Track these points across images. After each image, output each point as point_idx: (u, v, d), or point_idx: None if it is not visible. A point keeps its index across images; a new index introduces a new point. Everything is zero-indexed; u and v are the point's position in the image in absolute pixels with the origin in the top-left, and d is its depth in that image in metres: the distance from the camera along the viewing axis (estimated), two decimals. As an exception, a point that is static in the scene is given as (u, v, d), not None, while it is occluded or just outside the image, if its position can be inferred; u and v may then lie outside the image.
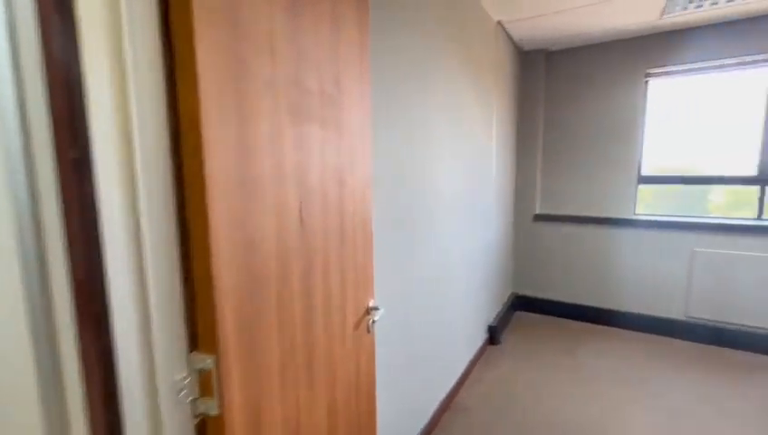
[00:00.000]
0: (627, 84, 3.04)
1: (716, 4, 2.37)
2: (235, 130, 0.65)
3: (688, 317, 2.93)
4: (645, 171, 3.12)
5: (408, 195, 1.61)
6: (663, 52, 2.89)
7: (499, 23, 2.66)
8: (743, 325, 2.75)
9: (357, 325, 1.15)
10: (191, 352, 0.62)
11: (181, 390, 0.60)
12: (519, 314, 3.51)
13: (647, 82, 3.02)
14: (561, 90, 3.29)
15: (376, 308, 1.23)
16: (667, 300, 3.00)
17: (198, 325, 0.62)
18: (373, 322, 1.21)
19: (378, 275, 1.37)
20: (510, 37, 2.96)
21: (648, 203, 3.17)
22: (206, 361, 0.60)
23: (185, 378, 0.60)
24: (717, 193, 3.00)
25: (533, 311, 3.51)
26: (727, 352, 2.74)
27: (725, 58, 2.71)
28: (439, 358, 2.05)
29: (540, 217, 3.44)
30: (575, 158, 3.29)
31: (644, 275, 3.08)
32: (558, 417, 2.07)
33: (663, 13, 2.50)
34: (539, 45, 3.18)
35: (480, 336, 2.76)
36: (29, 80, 0.46)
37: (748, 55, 2.65)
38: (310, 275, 0.89)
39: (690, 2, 2.35)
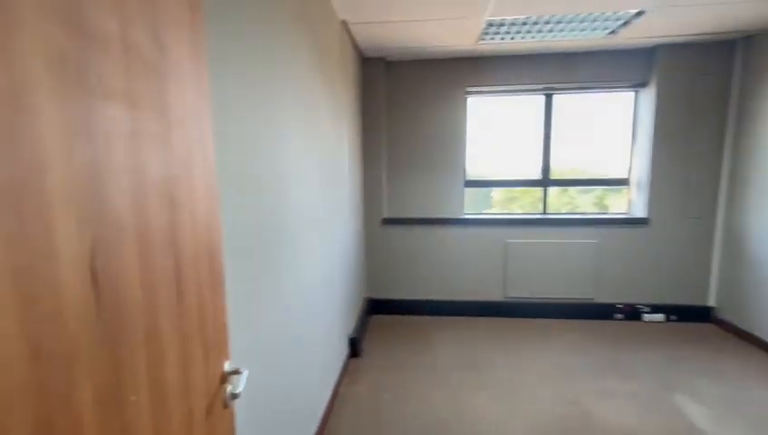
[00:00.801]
0: (452, 99, 3.41)
1: (514, 39, 2.86)
2: None
3: (506, 298, 3.49)
4: (469, 176, 3.58)
5: (260, 211, 1.28)
6: (478, 73, 3.35)
7: (344, 22, 2.54)
8: (544, 298, 3.45)
9: (210, 409, 0.78)
10: None
11: None
12: (374, 317, 3.52)
13: (466, 97, 3.46)
14: (399, 99, 3.45)
15: (235, 372, 0.87)
16: (490, 286, 3.51)
17: None
18: (233, 395, 0.85)
19: (230, 323, 1.00)
20: (354, 40, 2.90)
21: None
22: None
23: None
24: (497, 192, 3.74)
25: (387, 313, 3.58)
26: (538, 320, 3.39)
27: (521, 84, 3.34)
28: (304, 393, 1.76)
29: (387, 221, 3.53)
30: (415, 164, 3.51)
31: (473, 267, 3.52)
32: (430, 417, 2.09)
33: (478, 39, 2.87)
34: (378, 53, 3.24)
35: (342, 352, 2.59)
36: None
37: (534, 84, 3.33)
38: (118, 378, 0.51)
39: (497, 33, 2.77)
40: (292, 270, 1.56)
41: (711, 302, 3.29)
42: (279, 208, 1.41)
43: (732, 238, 3.10)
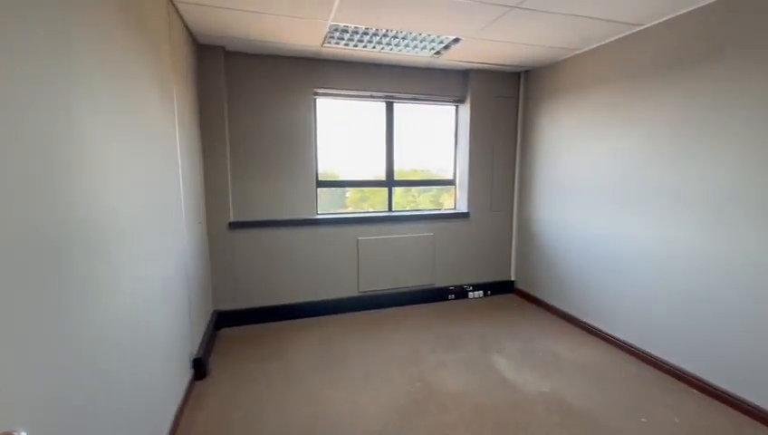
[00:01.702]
0: (300, 98, 3.38)
1: (357, 46, 3.02)
2: None
3: (360, 292, 3.68)
4: (321, 177, 3.62)
5: (40, 223, 1.00)
6: (325, 75, 3.41)
7: (170, 0, 2.22)
8: (393, 288, 3.76)
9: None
10: None
11: None
12: (223, 331, 3.22)
13: (315, 99, 3.48)
14: (242, 93, 3.22)
15: None
16: (344, 282, 3.64)
17: None
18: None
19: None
20: (184, 23, 2.56)
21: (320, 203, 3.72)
22: None
23: None
24: (352, 191, 3.97)
25: (237, 324, 3.32)
26: (389, 310, 3.67)
27: (365, 90, 3.55)
28: (133, 432, 1.48)
29: (235, 225, 3.26)
30: (264, 164, 3.34)
31: (327, 266, 3.58)
32: (287, 424, 2.02)
33: (324, 41, 2.92)
34: (216, 41, 2.96)
35: (184, 376, 2.28)
36: None
37: (376, 91, 3.59)
38: None
39: (341, 39, 2.88)
40: (103, 293, 1.28)
41: (512, 277, 4.19)
42: (85, 219, 1.13)
43: (522, 226, 4.00)
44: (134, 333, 1.52)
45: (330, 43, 2.95)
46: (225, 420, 2.09)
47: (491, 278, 4.12)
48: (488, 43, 3.00)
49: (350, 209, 3.92)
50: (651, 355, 2.66)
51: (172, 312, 2.07)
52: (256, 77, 3.24)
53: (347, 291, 3.65)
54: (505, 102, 3.91)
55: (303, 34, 2.78)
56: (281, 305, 3.45)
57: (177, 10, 2.36)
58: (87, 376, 1.14)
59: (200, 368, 2.47)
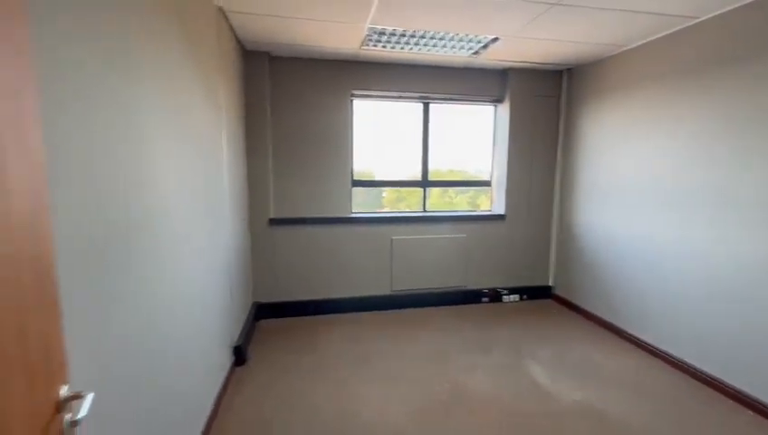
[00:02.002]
0: (338, 100, 3.48)
1: (394, 48, 3.07)
2: None
3: (393, 291, 3.72)
4: (356, 176, 3.70)
5: (113, 215, 1.13)
6: (362, 77, 3.48)
7: (221, 10, 2.37)
8: (425, 288, 3.77)
9: (40, 443, 0.67)
10: None
11: None
12: (262, 323, 3.38)
13: (352, 100, 3.56)
14: (284, 96, 3.37)
15: (75, 397, 0.77)
16: (378, 281, 3.70)
17: None
18: (73, 422, 0.75)
19: (74, 338, 0.87)
20: (233, 31, 2.73)
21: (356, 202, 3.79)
22: None
23: None
24: (388, 192, 4.01)
25: (275, 316, 3.48)
26: (421, 310, 3.69)
27: (401, 91, 3.59)
28: (181, 407, 1.61)
29: (275, 221, 3.42)
30: (303, 163, 3.47)
31: (362, 264, 3.65)
32: (316, 416, 2.11)
33: (362, 44, 2.99)
34: (262, 47, 3.12)
35: (226, 361, 2.43)
36: None
37: (413, 92, 3.61)
38: None
39: (379, 41, 2.93)
40: (159, 279, 1.41)
41: (550, 282, 4.05)
42: (139, 211, 1.26)
43: (562, 230, 3.86)
44: (179, 320, 1.66)
45: (368, 45, 3.01)
46: (259, 407, 2.21)
47: (527, 282, 4.01)
48: (529, 42, 2.93)
49: (386, 209, 3.97)
50: (702, 372, 2.48)
51: (217, 301, 2.22)
52: (297, 80, 3.37)
53: (380, 289, 3.70)
54: (546, 102, 3.80)
55: (343, 38, 2.86)
56: (316, 300, 3.57)
57: (227, 20, 2.52)
58: (145, 350, 1.26)
59: (240, 355, 2.63)
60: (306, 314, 3.54)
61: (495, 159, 3.97)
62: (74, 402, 0.76)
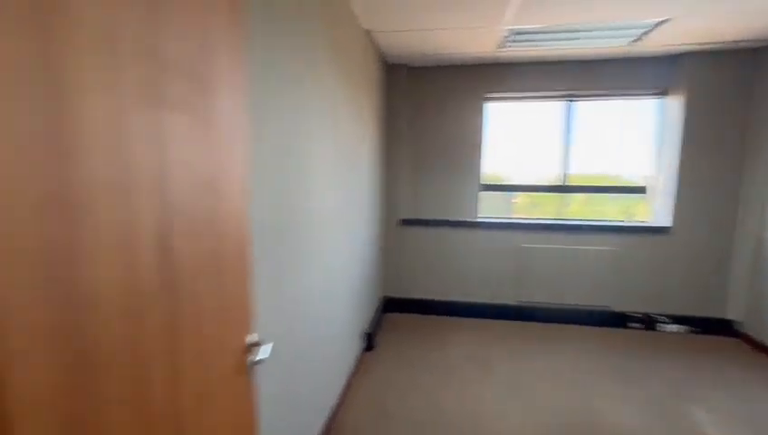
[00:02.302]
0: (470, 104, 3.49)
1: (537, 46, 2.92)
2: (37, 105, 0.39)
3: (519, 302, 3.53)
4: (486, 180, 3.64)
5: (287, 207, 1.42)
6: (497, 79, 3.41)
7: (368, 32, 2.68)
8: (558, 303, 3.46)
9: (237, 371, 0.92)
10: None
11: None
12: (389, 315, 3.64)
13: (485, 103, 3.53)
14: (418, 103, 3.56)
15: (257, 344, 1.01)
16: (503, 289, 3.55)
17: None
18: (255, 362, 0.99)
19: (256, 300, 1.14)
20: (378, 48, 3.03)
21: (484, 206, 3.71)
22: None
23: None
24: (521, 197, 3.76)
25: (402, 311, 3.69)
26: (552, 326, 3.41)
27: (542, 91, 3.38)
28: (319, 379, 1.89)
29: (405, 222, 3.63)
30: (433, 167, 3.60)
31: (486, 269, 3.57)
32: (435, 411, 2.18)
33: (499, 46, 2.94)
34: (401, 60, 3.36)
35: (357, 345, 2.71)
36: None
37: (555, 90, 3.36)
38: (177, 327, 0.64)
39: (517, 41, 2.83)
40: (314, 263, 1.70)
41: (730, 315, 3.22)
42: (303, 205, 1.55)
43: (753, 249, 3.02)
44: (325, 299, 1.95)
45: (506, 46, 2.94)
46: (385, 391, 2.40)
47: (695, 312, 3.28)
48: (708, 19, 2.42)
49: (518, 215, 3.78)
50: None
51: (353, 286, 2.51)
52: (432, 87, 3.52)
53: (505, 298, 3.56)
54: (731, 90, 3.04)
55: (479, 43, 2.87)
56: (440, 301, 3.65)
57: (373, 39, 2.82)
58: (304, 317, 1.55)
59: (369, 341, 2.89)
60: (429, 313, 3.66)
61: (660, 162, 3.37)
62: (255, 348, 1.01)
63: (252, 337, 1.01)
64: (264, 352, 0.99)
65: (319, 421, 1.90)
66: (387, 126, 3.54)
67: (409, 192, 3.67)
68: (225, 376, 0.86)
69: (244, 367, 0.97)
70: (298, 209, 1.52)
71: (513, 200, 3.82)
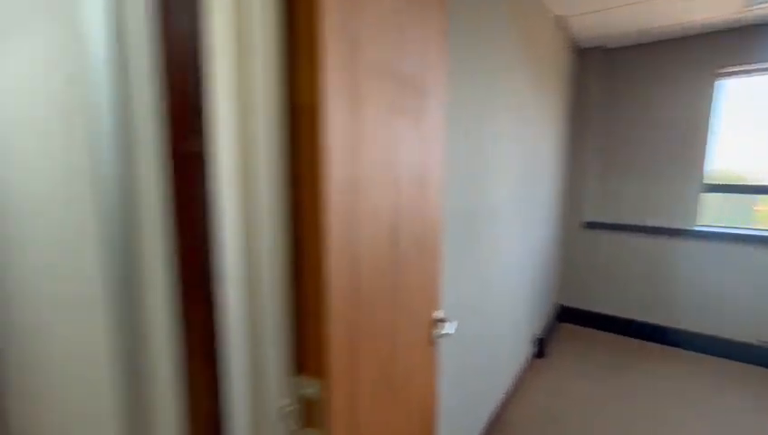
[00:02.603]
0: (693, 84, 2.81)
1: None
2: (347, 119, 0.57)
3: (760, 341, 2.67)
4: (711, 179, 2.87)
5: (472, 195, 1.51)
6: (737, 48, 2.64)
7: (557, 17, 2.50)
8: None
9: (428, 340, 1.06)
10: (295, 375, 0.55)
11: (283, 419, 0.53)
12: (564, 325, 3.33)
13: (716, 81, 2.78)
14: (617, 89, 3.09)
15: (443, 320, 1.13)
16: (731, 319, 2.75)
17: (306, 344, 0.55)
18: (440, 335, 1.12)
19: (443, 283, 1.28)
20: (567, 33, 2.80)
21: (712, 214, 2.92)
22: (312, 386, 0.53)
23: (288, 405, 0.53)
24: (765, 202, 2.75)
25: (579, 323, 3.32)
26: (806, 381, 2.48)
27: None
28: (487, 372, 1.93)
29: (590, 225, 3.24)
30: (630, 163, 3.08)
31: (703, 290, 2.83)
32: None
33: (746, 5, 2.28)
34: (596, 42, 2.99)
35: (527, 348, 2.61)
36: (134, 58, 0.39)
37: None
38: (397, 289, 0.81)
39: (779, -7, 2.13)
40: (491, 258, 1.75)
41: None
42: (484, 200, 1.62)
43: None
44: (499, 293, 1.96)
45: (757, 3, 2.26)
46: (557, 403, 2.24)
47: None
48: None
49: (762, 226, 2.84)
50: None
51: (526, 285, 2.43)
52: (633, 70, 3.00)
53: (734, 332, 2.75)
54: None
55: (712, 6, 2.29)
56: (628, 319, 3.12)
57: (564, 25, 2.62)
58: (481, 301, 1.63)
59: (541, 347, 2.74)
60: (613, 331, 3.17)
61: None
62: (441, 323, 1.13)
63: (439, 313, 1.14)
64: (449, 328, 1.11)
65: (485, 413, 1.94)
66: (574, 117, 3.22)
67: (597, 191, 3.24)
68: (422, 339, 1.02)
69: (432, 338, 1.11)
70: (479, 204, 1.59)
71: (756, 208, 2.88)
